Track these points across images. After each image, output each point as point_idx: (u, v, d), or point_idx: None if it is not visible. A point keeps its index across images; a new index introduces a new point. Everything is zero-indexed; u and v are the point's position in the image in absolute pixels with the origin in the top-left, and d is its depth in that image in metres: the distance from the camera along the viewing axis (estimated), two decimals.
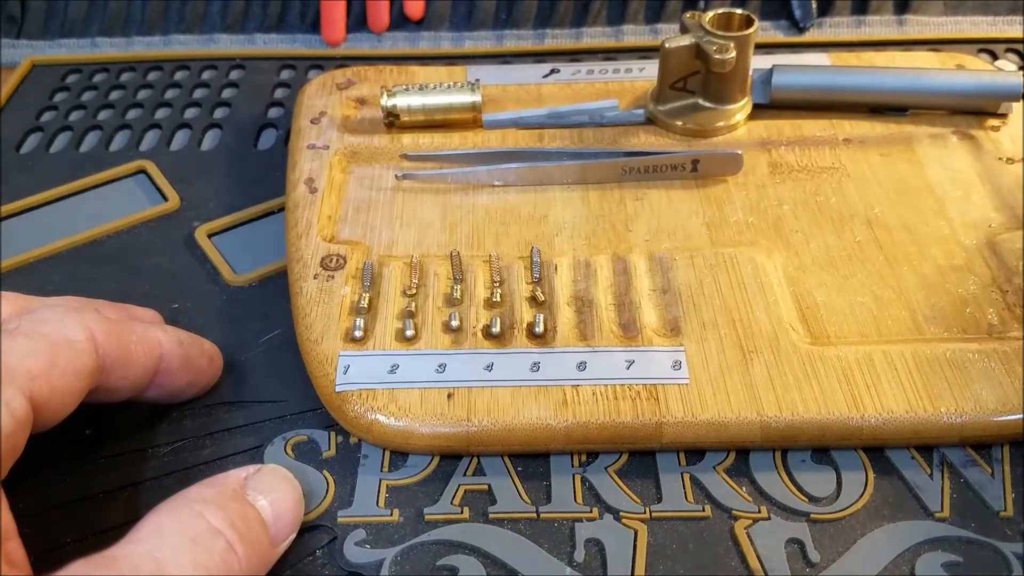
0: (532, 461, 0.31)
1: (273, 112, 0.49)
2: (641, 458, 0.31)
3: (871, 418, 0.30)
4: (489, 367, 0.32)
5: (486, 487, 0.31)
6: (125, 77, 0.52)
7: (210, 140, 0.47)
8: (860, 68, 0.45)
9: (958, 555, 0.28)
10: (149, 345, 0.30)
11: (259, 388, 0.34)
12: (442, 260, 0.36)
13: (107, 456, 0.32)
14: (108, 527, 0.30)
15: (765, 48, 0.52)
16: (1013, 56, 0.52)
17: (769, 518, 0.30)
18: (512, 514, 0.30)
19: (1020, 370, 0.31)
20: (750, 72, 0.42)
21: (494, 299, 0.35)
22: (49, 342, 0.27)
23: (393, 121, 0.43)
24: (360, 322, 0.33)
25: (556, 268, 0.36)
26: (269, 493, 0.28)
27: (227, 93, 0.51)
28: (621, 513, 0.30)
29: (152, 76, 0.52)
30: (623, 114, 0.43)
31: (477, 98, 0.42)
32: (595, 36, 0.55)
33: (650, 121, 0.43)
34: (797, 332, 0.33)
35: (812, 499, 0.30)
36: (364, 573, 0.28)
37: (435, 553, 0.29)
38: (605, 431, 0.31)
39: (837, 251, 0.37)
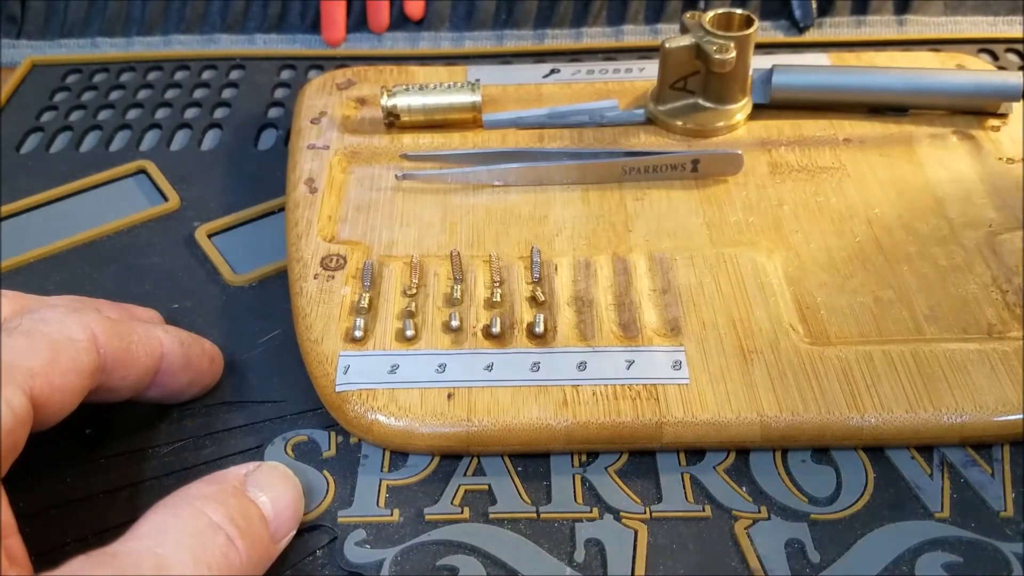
0: (532, 461, 0.31)
1: (273, 112, 0.49)
2: (641, 458, 0.31)
3: (871, 418, 0.30)
4: (489, 367, 0.32)
5: (486, 487, 0.31)
6: (125, 77, 0.52)
7: (210, 140, 0.47)
8: (860, 68, 0.45)
9: (958, 555, 0.28)
10: (150, 345, 0.30)
11: (259, 388, 0.34)
12: (442, 260, 0.36)
13: (107, 456, 0.32)
14: (108, 527, 0.30)
15: (765, 48, 0.52)
16: (1013, 56, 0.52)
17: (769, 518, 0.30)
18: (512, 514, 0.30)
19: (1020, 370, 0.31)
20: (750, 72, 0.42)
21: (494, 299, 0.35)
22: (50, 341, 0.27)
23: (393, 121, 0.43)
24: (360, 322, 0.33)
25: (556, 268, 0.36)
26: (269, 490, 0.28)
27: (227, 93, 0.51)
28: (621, 513, 0.30)
29: (152, 76, 0.52)
30: (623, 114, 0.43)
31: (477, 98, 0.42)
32: (595, 36, 0.55)
33: (650, 121, 0.43)
34: (797, 332, 0.33)
35: (812, 499, 0.30)
36: (364, 573, 0.28)
37: (435, 553, 0.29)
38: (605, 431, 0.31)
39: (837, 251, 0.37)
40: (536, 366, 0.32)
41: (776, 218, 0.38)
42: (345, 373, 0.32)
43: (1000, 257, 0.36)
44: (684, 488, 0.31)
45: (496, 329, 0.33)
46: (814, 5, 0.54)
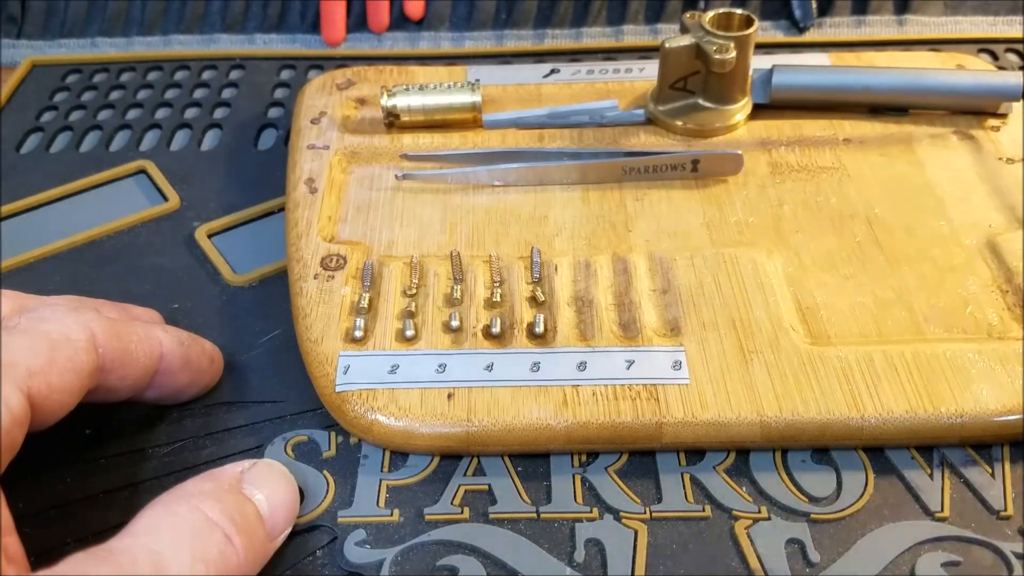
0: (532, 461, 0.31)
1: (273, 112, 0.49)
2: (641, 458, 0.31)
3: (871, 418, 0.30)
4: (489, 367, 0.32)
5: (486, 487, 0.31)
6: (125, 77, 0.52)
7: (210, 140, 0.47)
8: (860, 68, 0.45)
9: (958, 555, 0.28)
10: (149, 345, 0.30)
11: (259, 388, 0.34)
12: (442, 260, 0.36)
13: (107, 456, 0.32)
14: (108, 527, 0.30)
15: (765, 48, 0.52)
16: (1013, 56, 0.52)
17: (769, 518, 0.30)
18: (512, 514, 0.30)
19: (1020, 370, 0.31)
20: (750, 72, 0.42)
21: (494, 299, 0.35)
22: (48, 340, 0.27)
23: (393, 121, 0.43)
24: (360, 322, 0.33)
25: (556, 268, 0.36)
26: (265, 487, 0.28)
27: (227, 93, 0.51)
28: (621, 513, 0.30)
29: (152, 76, 0.52)
30: (623, 114, 0.43)
31: (477, 98, 0.42)
32: (595, 36, 0.55)
33: (650, 121, 0.43)
34: (797, 332, 0.33)
35: (812, 499, 0.30)
36: (364, 573, 0.28)
37: (435, 553, 0.29)
38: (605, 431, 0.31)
39: (837, 251, 0.37)
40: (536, 366, 0.32)
41: (776, 218, 0.38)
42: (345, 373, 0.32)
43: (1000, 257, 0.36)
44: (684, 488, 0.31)
45: (496, 329, 0.33)
46: (814, 5, 0.54)
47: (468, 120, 0.43)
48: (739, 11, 0.42)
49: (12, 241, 0.41)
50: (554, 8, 0.55)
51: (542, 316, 0.33)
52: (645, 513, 0.30)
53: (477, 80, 0.43)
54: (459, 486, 0.31)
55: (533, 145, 0.42)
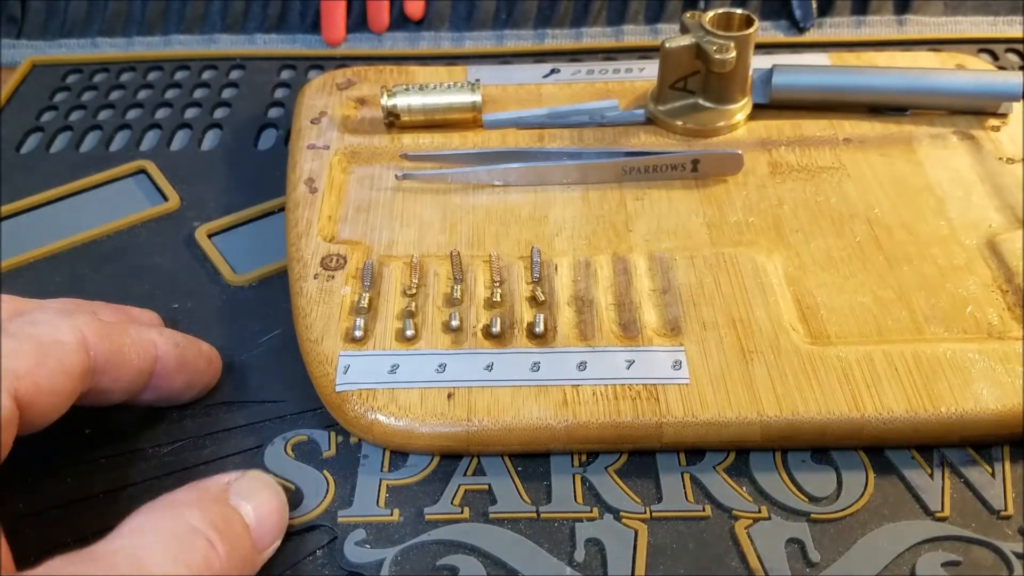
0: (532, 461, 0.31)
1: (273, 112, 0.49)
2: (641, 458, 0.31)
3: (871, 418, 0.30)
4: (489, 367, 0.32)
5: (486, 487, 0.31)
6: (125, 77, 0.52)
7: (210, 140, 0.47)
8: (860, 68, 0.45)
9: (958, 555, 0.28)
10: (143, 347, 0.30)
11: (259, 388, 0.34)
12: (442, 260, 0.36)
13: (107, 456, 0.32)
14: (108, 527, 0.30)
15: (765, 48, 0.52)
16: (1013, 56, 0.52)
17: (769, 518, 0.30)
18: (512, 514, 0.30)
19: (1020, 370, 0.31)
20: (750, 72, 0.42)
21: (494, 299, 0.35)
22: (37, 342, 0.27)
23: (393, 121, 0.43)
24: (360, 322, 0.33)
25: (556, 268, 0.36)
26: (252, 498, 0.27)
27: (227, 93, 0.51)
28: (621, 513, 0.30)
29: (152, 76, 0.52)
30: (623, 114, 0.43)
31: (477, 98, 0.42)
32: (595, 36, 0.55)
33: (650, 121, 0.43)
34: (797, 332, 0.33)
35: (812, 499, 0.30)
36: (364, 573, 0.28)
37: (435, 553, 0.29)
38: (605, 431, 0.31)
39: (837, 251, 0.37)
40: (536, 366, 0.32)
41: (776, 218, 0.38)
42: (345, 373, 0.32)
43: (1000, 257, 0.36)
44: (684, 488, 0.31)
45: (496, 329, 0.33)
46: (814, 5, 0.54)
47: (468, 120, 0.43)
48: (739, 11, 0.42)
49: (12, 241, 0.41)
50: (554, 8, 0.55)
51: (542, 316, 0.33)
52: (645, 513, 0.30)
53: (477, 80, 0.43)
54: (459, 486, 0.31)
55: (533, 145, 0.42)
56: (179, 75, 0.52)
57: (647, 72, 0.47)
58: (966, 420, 0.30)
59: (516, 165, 0.40)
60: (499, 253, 0.37)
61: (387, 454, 0.32)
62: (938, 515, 0.29)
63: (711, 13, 0.41)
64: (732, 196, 0.39)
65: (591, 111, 0.43)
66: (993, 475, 0.31)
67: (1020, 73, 0.43)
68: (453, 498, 0.30)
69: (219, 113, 0.49)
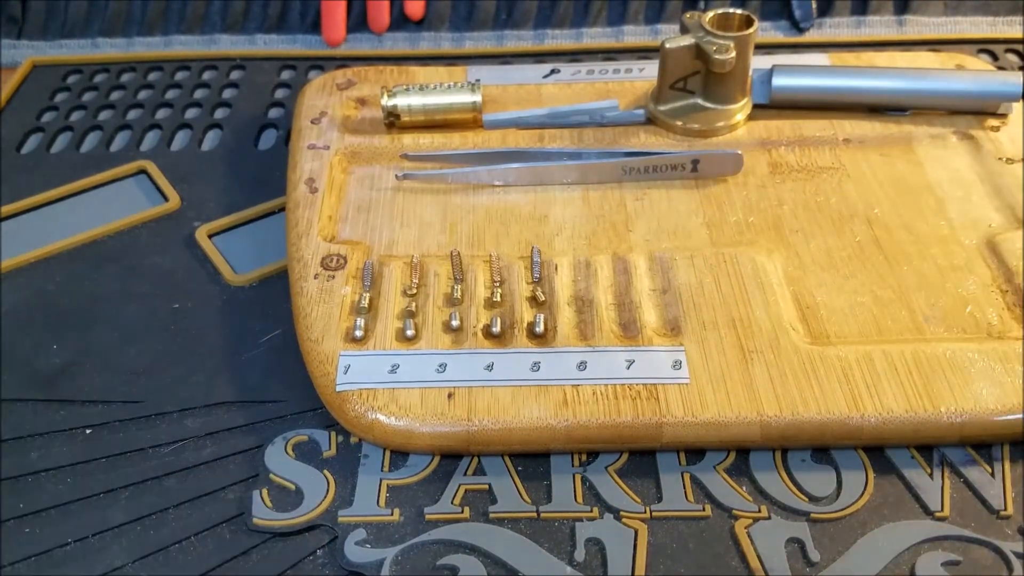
0: (532, 461, 0.31)
1: (273, 112, 0.49)
2: (641, 458, 0.32)
3: (871, 418, 0.30)
4: (489, 367, 0.32)
5: (486, 487, 0.31)
6: (126, 77, 0.52)
7: (210, 140, 0.47)
8: (860, 68, 0.45)
9: (958, 554, 0.28)
10: None
11: (259, 388, 0.34)
12: (442, 260, 0.36)
13: (107, 456, 0.32)
14: (108, 527, 0.30)
15: (765, 48, 0.52)
16: (1013, 56, 0.52)
17: (769, 517, 0.30)
18: (512, 514, 0.30)
19: (1020, 370, 0.31)
20: (750, 72, 0.42)
21: (494, 299, 0.35)
22: None
23: (393, 121, 0.43)
24: (360, 322, 0.33)
25: (556, 268, 0.36)
26: None
27: (227, 93, 0.51)
28: (621, 513, 0.30)
29: (152, 76, 0.52)
30: (623, 114, 0.43)
31: (477, 98, 0.42)
32: (595, 36, 0.55)
33: (650, 121, 0.43)
34: (797, 332, 0.33)
35: (812, 498, 0.30)
36: (365, 572, 0.28)
37: (435, 552, 0.29)
38: (605, 431, 0.31)
39: (837, 251, 0.37)
40: (536, 366, 0.32)
41: (776, 218, 0.38)
42: (345, 373, 0.32)
43: (1000, 257, 0.36)
44: (684, 487, 0.31)
45: (496, 329, 0.33)
46: (814, 5, 0.54)
47: (468, 120, 0.43)
48: (739, 11, 0.42)
49: (12, 241, 0.41)
50: (554, 8, 0.55)
51: (542, 316, 0.34)
52: (645, 512, 0.30)
53: (477, 80, 0.43)
54: (459, 485, 0.31)
55: (533, 145, 0.42)
56: (179, 75, 0.52)
57: (647, 72, 0.47)
58: (966, 420, 0.30)
59: (516, 165, 0.40)
60: (499, 253, 0.37)
61: (387, 454, 0.32)
62: (938, 515, 0.29)
63: (711, 13, 0.41)
64: (732, 196, 0.39)
65: (591, 111, 0.43)
66: (993, 475, 0.31)
67: (1020, 73, 0.43)
68: (453, 498, 0.30)
69: (219, 113, 0.49)
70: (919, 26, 0.54)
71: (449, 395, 0.31)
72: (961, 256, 0.36)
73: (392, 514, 0.30)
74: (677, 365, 0.32)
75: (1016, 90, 0.42)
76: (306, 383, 0.33)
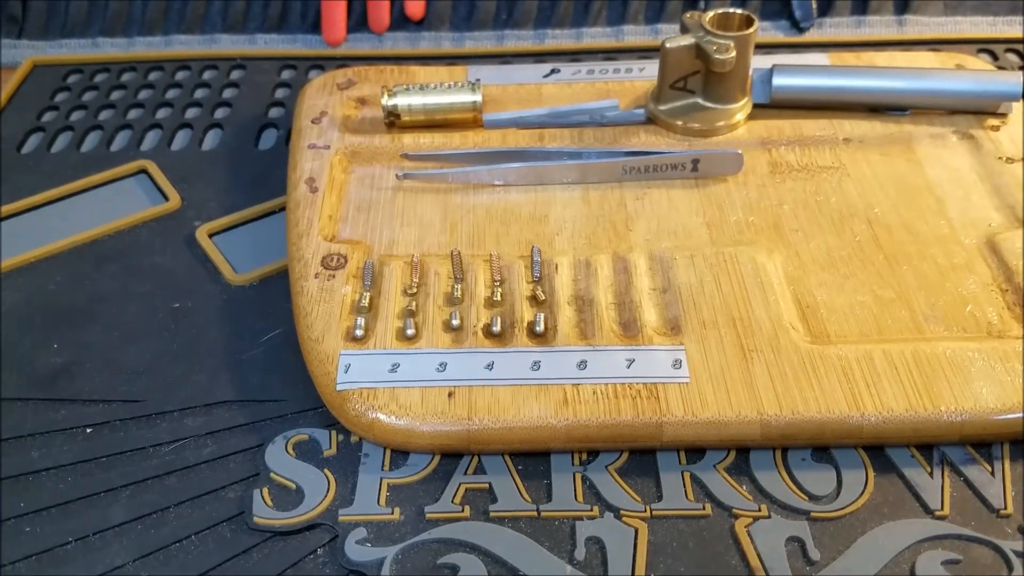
0: (533, 460, 0.32)
1: (274, 112, 0.49)
2: (641, 457, 0.32)
3: (871, 417, 0.30)
4: (490, 366, 0.32)
5: (487, 486, 0.31)
6: (126, 77, 0.52)
7: (211, 140, 0.47)
8: (860, 68, 0.45)
9: (958, 553, 0.28)
10: None
11: (260, 387, 0.34)
12: (443, 259, 0.36)
13: (107, 455, 0.32)
14: (109, 526, 0.30)
15: (765, 48, 0.52)
16: (1013, 56, 0.52)
17: (769, 516, 0.30)
18: (513, 512, 0.30)
19: (1020, 369, 0.31)
20: (750, 72, 0.42)
21: (495, 298, 0.35)
22: None
23: (394, 121, 0.43)
24: (361, 321, 0.33)
25: (556, 267, 0.36)
26: None
27: (228, 93, 0.51)
28: (622, 511, 0.30)
29: (153, 76, 0.52)
30: (623, 114, 0.43)
31: (478, 98, 0.42)
32: (595, 36, 0.55)
33: (650, 121, 0.43)
34: (797, 331, 0.33)
35: (812, 497, 0.30)
36: (365, 571, 0.28)
37: (436, 551, 0.29)
38: (606, 430, 0.31)
39: (837, 251, 0.37)
40: (536, 365, 0.32)
41: (776, 217, 0.38)
42: (346, 372, 0.32)
43: (1000, 257, 0.36)
44: (684, 486, 0.31)
45: (496, 328, 0.33)
46: (814, 5, 0.54)
47: (468, 120, 0.43)
48: (739, 11, 0.42)
49: (12, 241, 0.41)
50: (554, 8, 0.55)
51: (542, 315, 0.34)
52: (645, 511, 0.30)
53: (478, 80, 0.43)
54: (460, 484, 0.31)
55: (533, 145, 0.42)
56: (180, 75, 0.52)
57: (647, 72, 0.47)
58: (966, 419, 0.30)
59: (516, 165, 0.40)
60: (499, 252, 0.37)
61: (388, 453, 0.32)
62: (938, 513, 0.30)
63: (711, 13, 0.42)
64: (732, 196, 0.40)
65: (591, 111, 0.43)
66: (993, 474, 0.31)
67: (1020, 73, 0.43)
68: (454, 497, 0.30)
69: (220, 113, 0.49)
70: (919, 26, 0.54)
71: (449, 394, 0.31)
72: (961, 255, 0.36)
73: (392, 513, 0.30)
74: (677, 364, 0.32)
75: (1016, 90, 0.42)
76: (306, 382, 0.33)
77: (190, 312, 0.37)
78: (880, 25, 0.54)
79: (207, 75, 0.52)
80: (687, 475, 0.31)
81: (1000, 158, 0.41)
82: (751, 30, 0.40)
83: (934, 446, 0.31)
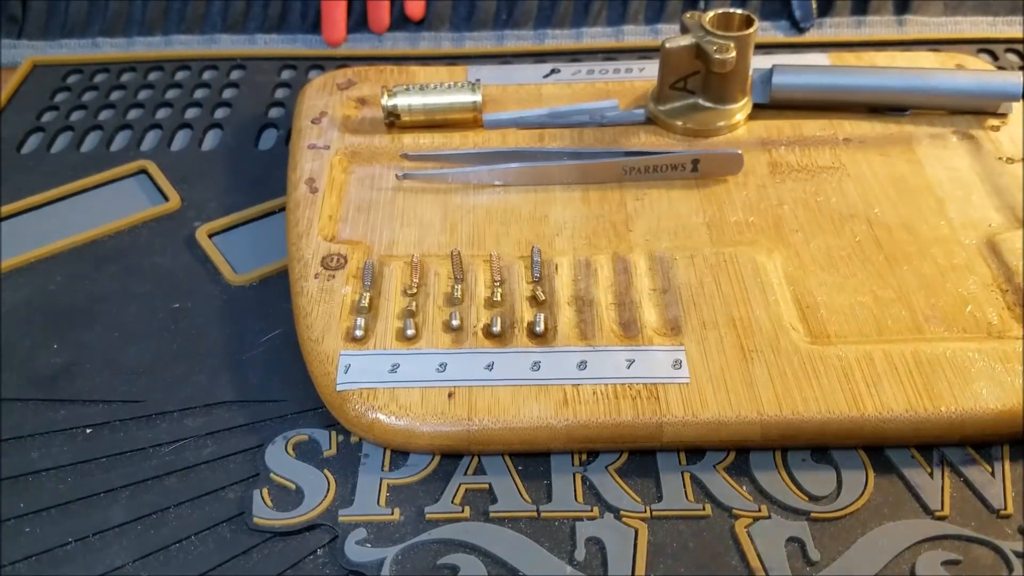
0: (533, 460, 0.31)
1: (274, 112, 0.49)
2: (641, 457, 0.32)
3: (871, 417, 0.30)
4: (490, 366, 0.32)
5: (487, 486, 0.31)
6: (126, 77, 0.52)
7: (211, 140, 0.47)
8: (860, 68, 0.45)
9: (958, 553, 0.28)
10: None
11: (260, 388, 0.34)
12: (443, 260, 0.36)
13: (107, 455, 0.32)
14: (109, 526, 0.30)
15: (765, 48, 0.52)
16: (1013, 56, 0.52)
17: (769, 517, 0.30)
18: (513, 513, 0.30)
19: (1020, 369, 0.31)
20: (750, 72, 0.42)
21: (495, 298, 0.35)
22: None
23: (394, 121, 0.43)
24: (361, 321, 0.33)
25: (556, 268, 0.36)
26: None
27: (228, 93, 0.51)
28: (622, 512, 0.30)
29: (153, 76, 0.52)
30: (623, 114, 0.43)
31: (478, 98, 0.42)
32: (595, 36, 0.55)
33: (650, 121, 0.43)
34: (797, 331, 0.33)
35: (812, 498, 0.30)
36: (365, 572, 0.28)
37: (436, 552, 0.29)
38: (606, 430, 0.31)
39: (837, 251, 0.37)
40: (536, 365, 0.32)
41: (776, 218, 0.38)
42: (346, 372, 0.32)
43: (1000, 257, 0.36)
44: (684, 487, 0.31)
45: (496, 328, 0.33)
46: (814, 5, 0.54)
47: (468, 120, 0.43)
48: (739, 11, 0.42)
49: (12, 241, 0.41)
50: (554, 8, 0.55)
51: (542, 315, 0.34)
52: (645, 512, 0.30)
53: (478, 80, 0.43)
54: (460, 485, 0.31)
55: (533, 145, 0.42)
56: (180, 75, 0.52)
57: (647, 72, 0.47)
58: (966, 419, 0.30)
59: (516, 165, 0.40)
60: (499, 253, 0.37)
61: (388, 453, 0.32)
62: (938, 514, 0.30)
63: (711, 13, 0.41)
64: (732, 196, 0.39)
65: (591, 111, 0.43)
66: (993, 474, 0.31)
67: (1020, 73, 0.43)
68: (454, 497, 0.30)
69: (220, 113, 0.49)
70: (919, 26, 0.54)
71: (449, 395, 0.31)
72: (961, 256, 0.36)
73: (392, 513, 0.30)
74: (677, 365, 0.32)
75: (1016, 90, 0.42)
76: (306, 383, 0.33)
77: (190, 312, 0.37)
78: (880, 25, 0.54)
79: (207, 75, 0.52)
80: (687, 475, 0.31)
81: (1000, 158, 0.41)
82: (751, 30, 0.40)
83: (934, 447, 0.31)
